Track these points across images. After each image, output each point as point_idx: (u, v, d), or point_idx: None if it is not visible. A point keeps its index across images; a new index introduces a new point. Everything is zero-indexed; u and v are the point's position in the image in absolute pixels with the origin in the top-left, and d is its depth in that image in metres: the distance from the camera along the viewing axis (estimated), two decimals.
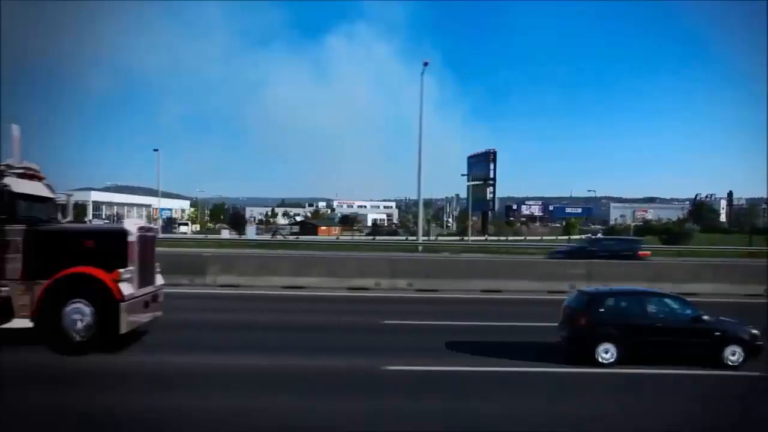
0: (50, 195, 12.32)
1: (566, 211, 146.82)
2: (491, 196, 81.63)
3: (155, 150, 69.71)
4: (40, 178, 12.05)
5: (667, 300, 11.24)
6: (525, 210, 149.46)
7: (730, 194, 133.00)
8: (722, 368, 10.56)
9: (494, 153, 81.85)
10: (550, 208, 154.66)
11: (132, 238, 10.82)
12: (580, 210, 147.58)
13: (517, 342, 12.47)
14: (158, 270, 12.18)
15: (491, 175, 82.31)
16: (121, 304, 10.29)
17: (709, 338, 10.69)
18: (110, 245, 10.81)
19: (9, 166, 11.17)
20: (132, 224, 11.15)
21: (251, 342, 12.01)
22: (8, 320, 10.47)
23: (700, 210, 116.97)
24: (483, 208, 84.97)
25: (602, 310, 10.91)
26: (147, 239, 11.49)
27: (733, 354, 10.66)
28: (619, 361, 10.42)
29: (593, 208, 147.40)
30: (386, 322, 14.42)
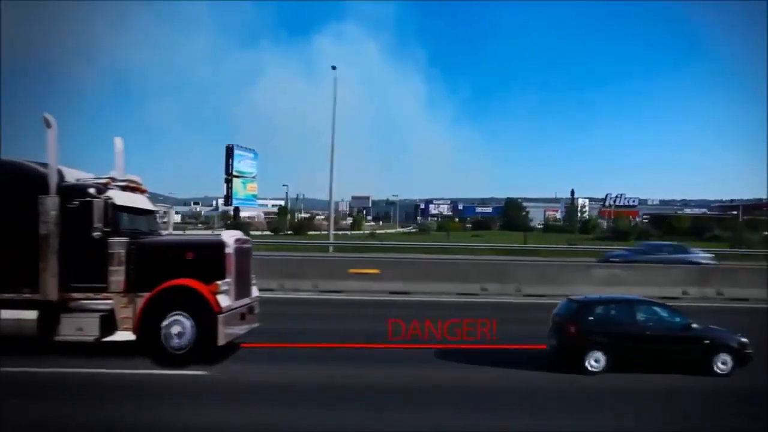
0: (152, 207, 12.49)
1: (476, 211, 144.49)
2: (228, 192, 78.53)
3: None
4: (142, 191, 12.23)
5: (656, 308, 11.17)
6: (433, 209, 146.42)
7: (572, 193, 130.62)
8: (712, 376, 10.49)
9: (231, 148, 78.91)
10: (460, 207, 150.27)
11: (229, 250, 10.68)
12: (490, 209, 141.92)
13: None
14: (254, 281, 12.01)
15: (229, 171, 79.96)
16: (219, 316, 10.14)
17: (698, 346, 10.65)
18: (208, 257, 10.73)
19: (113, 179, 11.37)
20: (229, 236, 11.02)
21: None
22: (111, 333, 10.57)
23: (508, 208, 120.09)
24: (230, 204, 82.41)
25: (591, 318, 10.84)
26: (243, 251, 11.33)
27: (724, 362, 10.60)
28: (609, 369, 10.37)
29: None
30: None
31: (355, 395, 9.07)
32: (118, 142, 12.04)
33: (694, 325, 10.72)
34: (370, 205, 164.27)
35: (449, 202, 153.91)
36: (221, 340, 10.20)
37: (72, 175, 11.01)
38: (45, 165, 10.56)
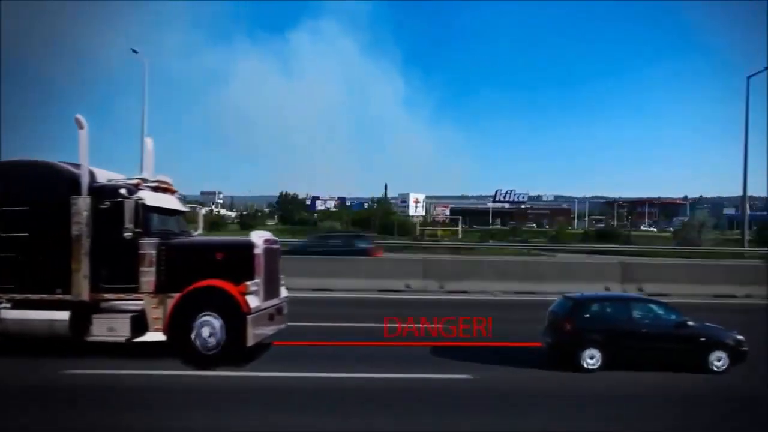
0: (182, 208, 12.51)
1: (364, 206, 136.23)
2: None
3: None
4: (172, 192, 12.26)
5: (652, 305, 11.17)
6: (320, 205, 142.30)
7: (385, 187, 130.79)
8: (708, 374, 10.47)
9: None
10: (347, 203, 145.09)
11: (258, 251, 10.62)
12: (375, 205, 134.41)
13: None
14: (282, 282, 11.95)
15: None
16: (248, 316, 10.07)
17: (694, 344, 10.65)
18: (237, 258, 10.68)
19: (143, 180, 11.41)
20: (258, 237, 10.96)
21: None
22: (142, 333, 10.60)
23: (283, 203, 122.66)
24: None
25: (587, 315, 10.86)
26: (272, 251, 11.26)
27: (719, 360, 10.58)
28: (604, 367, 10.38)
29: (403, 203, 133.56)
30: None
31: (345, 395, 8.96)
32: (149, 143, 12.10)
33: (690, 323, 10.75)
34: (219, 200, 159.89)
35: (336, 198, 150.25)
36: (250, 341, 10.13)
37: (103, 176, 11.08)
38: (77, 165, 10.63)
